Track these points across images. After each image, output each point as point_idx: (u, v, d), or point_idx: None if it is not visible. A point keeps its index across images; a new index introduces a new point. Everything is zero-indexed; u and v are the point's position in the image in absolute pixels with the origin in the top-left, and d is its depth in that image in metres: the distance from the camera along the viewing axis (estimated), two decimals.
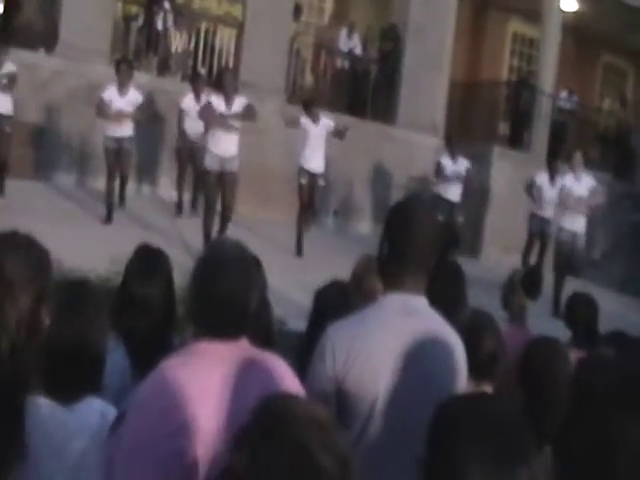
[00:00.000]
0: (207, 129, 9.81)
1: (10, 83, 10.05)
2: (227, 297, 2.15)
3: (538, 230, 12.03)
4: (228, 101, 9.62)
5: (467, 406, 1.80)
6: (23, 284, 2.00)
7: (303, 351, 2.65)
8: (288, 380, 2.21)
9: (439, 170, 12.23)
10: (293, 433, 1.46)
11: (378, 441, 2.49)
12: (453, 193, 12.13)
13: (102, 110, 10.19)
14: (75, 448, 2.01)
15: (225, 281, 2.16)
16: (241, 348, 2.20)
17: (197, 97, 11.23)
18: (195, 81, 11.66)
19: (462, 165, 12.26)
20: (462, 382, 2.62)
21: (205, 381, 2.07)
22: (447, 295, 3.22)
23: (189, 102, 11.25)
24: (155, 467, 1.96)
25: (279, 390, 2.08)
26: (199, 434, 2.00)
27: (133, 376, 2.88)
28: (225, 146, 9.65)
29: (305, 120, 10.87)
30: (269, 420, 1.51)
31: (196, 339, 2.18)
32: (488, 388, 3.05)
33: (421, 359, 2.51)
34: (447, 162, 12.26)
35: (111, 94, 10.23)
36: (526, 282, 4.87)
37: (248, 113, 9.65)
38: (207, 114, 9.69)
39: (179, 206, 11.57)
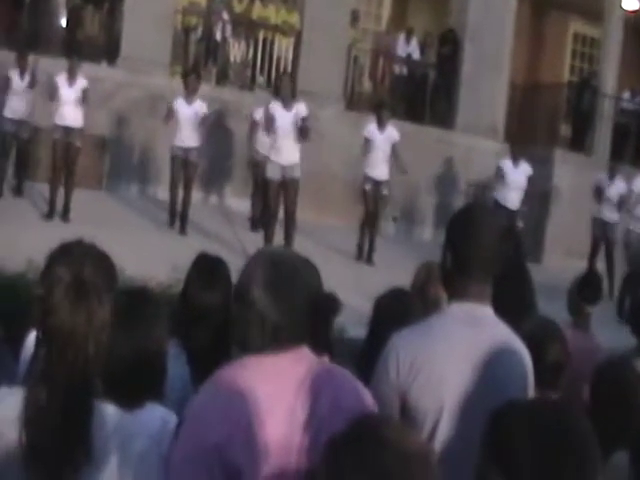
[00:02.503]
0: (267, 134, 9.89)
1: (84, 97, 10.37)
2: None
3: (601, 234, 11.82)
4: (286, 106, 9.63)
5: (525, 412, 1.78)
6: (105, 289, 2.06)
7: (362, 360, 2.63)
8: (361, 394, 2.12)
9: (499, 175, 11.99)
10: (383, 463, 1.42)
11: (443, 453, 2.45)
12: (512, 199, 11.83)
13: (169, 117, 10.36)
14: (135, 450, 2.03)
15: None
16: (304, 360, 2.11)
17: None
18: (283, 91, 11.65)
19: (524, 171, 11.93)
20: (530, 392, 2.59)
21: (254, 394, 2.01)
22: (514, 301, 3.17)
23: (260, 115, 11.27)
24: (200, 462, 1.95)
25: (357, 405, 2.02)
26: (243, 440, 1.96)
27: (194, 384, 2.88)
28: (286, 154, 9.65)
29: (372, 126, 10.83)
30: (360, 444, 1.46)
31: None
32: (554, 397, 3.00)
33: (488, 370, 2.48)
34: (508, 167, 11.96)
35: (178, 104, 10.37)
36: (582, 287, 4.78)
37: (303, 132, 9.60)
38: (267, 123, 9.75)
39: (254, 220, 11.51)
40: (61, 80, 10.32)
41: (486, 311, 2.58)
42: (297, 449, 1.98)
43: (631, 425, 2.61)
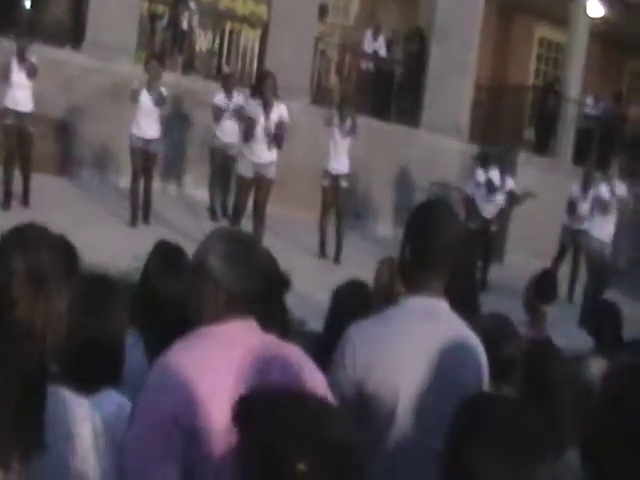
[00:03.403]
0: (245, 140, 9.67)
1: (31, 74, 9.93)
2: None
3: (569, 241, 11.92)
4: (267, 108, 9.44)
5: (488, 405, 1.84)
6: (62, 276, 2.01)
7: (319, 350, 2.63)
8: (304, 369, 2.16)
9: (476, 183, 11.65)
10: (267, 440, 1.45)
11: (399, 445, 2.47)
12: (491, 211, 11.61)
13: (135, 98, 10.15)
14: (87, 434, 2.02)
15: None
16: (250, 331, 2.17)
17: (229, 95, 11.25)
18: (226, 79, 11.68)
19: (509, 185, 11.62)
20: (484, 386, 2.62)
21: (204, 362, 2.06)
22: (465, 298, 3.20)
23: (220, 99, 11.26)
24: (157, 435, 1.99)
25: (283, 381, 2.05)
26: (198, 409, 2.00)
27: None
28: (262, 152, 9.52)
29: (335, 120, 10.83)
30: (245, 424, 1.53)
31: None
32: (508, 391, 3.02)
33: (443, 362, 2.50)
34: (481, 174, 11.61)
35: (140, 86, 10.21)
36: (537, 286, 4.83)
37: (278, 136, 9.46)
38: (248, 128, 9.54)
39: (212, 210, 11.50)
40: (13, 62, 9.94)
41: (443, 305, 2.61)
42: None
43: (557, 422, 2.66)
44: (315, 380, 2.17)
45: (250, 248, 2.22)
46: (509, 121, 15.81)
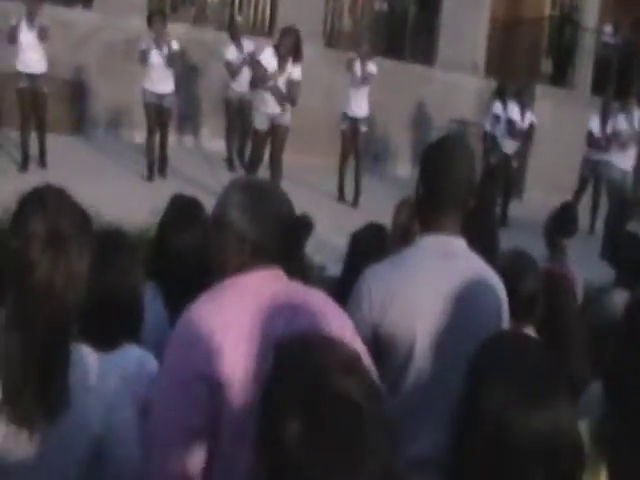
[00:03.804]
0: (254, 86, 9.59)
1: (43, 37, 9.76)
2: None
3: (589, 173, 11.80)
4: (282, 64, 9.23)
5: (504, 345, 1.83)
6: (82, 238, 2.01)
7: (338, 293, 2.64)
8: (326, 315, 2.13)
9: (496, 119, 11.45)
10: (313, 380, 1.41)
11: (416, 386, 2.48)
12: (512, 145, 11.41)
13: (144, 59, 10.03)
14: (109, 390, 2.05)
15: None
16: (275, 279, 2.16)
17: (239, 46, 11.15)
18: (232, 29, 11.57)
19: (529, 118, 11.46)
20: (504, 323, 2.60)
21: (228, 313, 2.05)
22: (481, 235, 3.17)
23: (232, 53, 11.16)
24: (182, 389, 2.00)
25: (309, 327, 2.04)
26: (223, 361, 2.00)
27: (172, 325, 2.88)
28: (274, 103, 9.35)
29: (356, 65, 10.67)
30: (285, 368, 1.47)
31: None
32: (529, 329, 3.02)
33: (462, 301, 2.48)
34: (499, 108, 11.41)
35: (149, 46, 10.07)
36: (557, 220, 4.78)
37: (291, 96, 9.27)
38: (256, 75, 9.42)
39: (230, 161, 11.47)
40: (21, 24, 9.75)
41: (459, 243, 2.58)
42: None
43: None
44: (343, 326, 2.16)
45: (270, 196, 2.20)
46: (526, 54, 15.52)
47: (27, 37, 9.80)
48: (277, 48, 9.26)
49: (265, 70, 9.19)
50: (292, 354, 1.48)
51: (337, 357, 1.46)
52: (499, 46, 15.17)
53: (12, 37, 9.73)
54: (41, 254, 1.94)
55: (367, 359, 2.08)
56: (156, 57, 10.03)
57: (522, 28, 15.91)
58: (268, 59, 9.24)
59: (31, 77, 9.90)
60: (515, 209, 11.34)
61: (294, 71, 9.28)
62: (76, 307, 2.00)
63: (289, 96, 9.26)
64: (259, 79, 9.30)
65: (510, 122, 11.29)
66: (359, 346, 2.13)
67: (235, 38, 11.22)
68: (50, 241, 1.96)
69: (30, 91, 9.91)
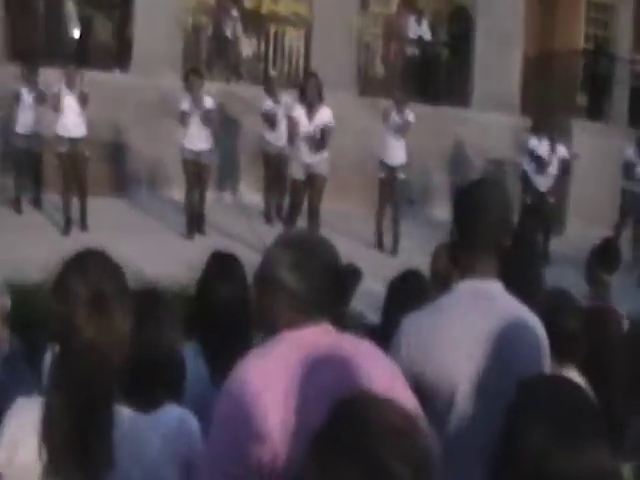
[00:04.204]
0: (291, 142, 9.68)
1: (83, 102, 10.07)
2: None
3: (630, 206, 11.65)
4: (311, 111, 9.38)
5: (542, 388, 1.82)
6: (124, 298, 2.07)
7: (377, 342, 2.64)
8: (374, 368, 2.11)
9: (529, 155, 11.41)
10: (365, 442, 1.41)
11: (459, 432, 2.46)
12: (545, 182, 11.32)
13: (184, 120, 10.18)
14: (149, 450, 2.06)
15: None
16: (324, 333, 2.15)
17: (275, 99, 11.30)
18: (268, 83, 11.75)
19: (558, 153, 11.31)
20: (545, 364, 2.57)
21: (275, 369, 2.04)
22: (523, 275, 3.15)
23: (269, 105, 11.30)
24: (230, 445, 1.99)
25: (355, 380, 2.02)
26: (270, 417, 1.98)
27: (213, 384, 2.90)
28: (310, 152, 9.42)
29: (392, 113, 10.72)
30: (340, 427, 1.46)
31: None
32: (571, 368, 2.98)
33: (501, 343, 2.46)
34: (541, 146, 11.30)
35: (188, 106, 10.20)
36: (599, 255, 4.71)
37: (322, 140, 9.35)
38: (291, 130, 9.54)
39: (267, 214, 11.58)
40: (62, 90, 10.04)
41: (496, 286, 2.56)
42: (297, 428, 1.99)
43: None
44: (392, 378, 2.14)
45: (317, 250, 2.20)
46: (561, 89, 15.49)
47: (68, 102, 10.07)
48: (303, 95, 9.37)
49: (297, 123, 9.31)
50: (347, 413, 1.48)
51: (391, 418, 1.45)
52: (533, 82, 15.16)
53: (56, 105, 10.03)
54: (86, 318, 1.99)
55: (418, 411, 2.08)
56: (194, 116, 10.18)
57: (556, 63, 15.90)
58: (299, 111, 9.38)
59: (72, 141, 10.14)
60: (556, 244, 11.22)
61: (325, 114, 9.38)
62: (118, 368, 2.04)
63: (323, 141, 9.33)
64: (295, 134, 9.41)
65: (538, 158, 11.23)
66: (409, 396, 2.13)
67: (271, 91, 11.39)
68: (93, 304, 2.01)
69: (71, 155, 10.14)
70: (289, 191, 10.01)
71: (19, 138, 10.68)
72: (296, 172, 9.53)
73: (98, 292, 2.03)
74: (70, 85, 10.08)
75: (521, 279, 2.90)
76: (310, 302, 2.14)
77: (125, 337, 2.07)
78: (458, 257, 2.63)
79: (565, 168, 11.60)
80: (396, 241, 10.72)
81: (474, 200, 2.60)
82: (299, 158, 9.45)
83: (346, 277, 2.18)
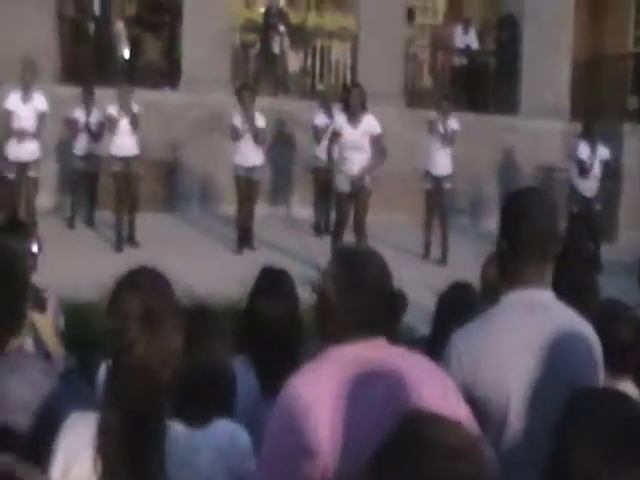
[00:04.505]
0: (331, 154, 9.65)
1: (135, 122, 10.26)
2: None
3: None
4: (354, 120, 9.33)
5: (594, 402, 1.76)
6: (175, 316, 2.12)
7: (427, 355, 2.63)
8: (427, 383, 2.10)
9: (574, 161, 11.26)
10: (424, 463, 1.39)
11: (516, 442, 2.43)
12: (590, 187, 11.14)
13: (236, 136, 10.30)
14: (202, 466, 2.08)
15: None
16: (377, 347, 2.16)
17: (327, 113, 11.39)
18: (321, 97, 11.85)
19: (600, 156, 11.13)
20: (599, 376, 2.53)
21: (327, 383, 2.04)
22: (576, 284, 3.10)
23: (320, 119, 11.41)
24: (283, 461, 2.01)
25: (407, 396, 2.02)
26: (322, 432, 1.99)
27: (264, 398, 2.91)
28: (354, 165, 9.37)
29: (439, 125, 10.70)
30: (400, 446, 1.44)
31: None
32: (627, 381, 2.93)
33: (554, 355, 2.42)
34: (584, 150, 11.13)
35: (238, 120, 10.31)
36: None
37: (379, 151, 9.35)
38: (332, 141, 9.56)
39: (317, 228, 11.68)
40: (115, 111, 10.25)
41: (546, 295, 2.53)
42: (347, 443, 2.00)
43: None
44: (446, 392, 2.14)
45: (368, 266, 2.21)
46: (610, 93, 15.28)
47: (121, 122, 10.25)
48: (346, 105, 9.39)
49: (338, 134, 9.30)
50: (408, 431, 1.46)
51: (453, 439, 1.44)
52: (583, 87, 14.97)
53: (112, 126, 10.25)
54: (139, 334, 2.03)
55: (474, 425, 2.08)
56: (246, 132, 10.28)
57: (605, 67, 15.71)
58: (341, 120, 9.40)
59: (125, 160, 10.30)
60: (608, 252, 11.02)
61: (369, 121, 9.34)
62: (171, 383, 2.07)
63: (378, 153, 9.31)
64: (334, 145, 9.43)
65: (580, 162, 11.07)
66: (463, 411, 2.13)
67: (324, 106, 11.47)
68: (146, 321, 2.04)
69: (124, 174, 10.31)
70: (335, 204, 10.02)
71: (77, 160, 10.99)
72: (341, 185, 9.50)
73: (149, 309, 2.07)
74: (123, 106, 10.26)
75: (573, 288, 2.86)
76: (360, 316, 2.15)
77: (176, 353, 2.10)
78: (506, 267, 2.60)
79: (609, 171, 11.38)
80: (445, 252, 10.64)
81: (520, 209, 2.58)
82: (344, 171, 9.41)
83: (397, 295, 2.20)
